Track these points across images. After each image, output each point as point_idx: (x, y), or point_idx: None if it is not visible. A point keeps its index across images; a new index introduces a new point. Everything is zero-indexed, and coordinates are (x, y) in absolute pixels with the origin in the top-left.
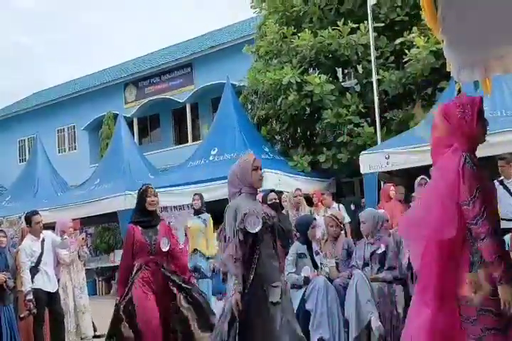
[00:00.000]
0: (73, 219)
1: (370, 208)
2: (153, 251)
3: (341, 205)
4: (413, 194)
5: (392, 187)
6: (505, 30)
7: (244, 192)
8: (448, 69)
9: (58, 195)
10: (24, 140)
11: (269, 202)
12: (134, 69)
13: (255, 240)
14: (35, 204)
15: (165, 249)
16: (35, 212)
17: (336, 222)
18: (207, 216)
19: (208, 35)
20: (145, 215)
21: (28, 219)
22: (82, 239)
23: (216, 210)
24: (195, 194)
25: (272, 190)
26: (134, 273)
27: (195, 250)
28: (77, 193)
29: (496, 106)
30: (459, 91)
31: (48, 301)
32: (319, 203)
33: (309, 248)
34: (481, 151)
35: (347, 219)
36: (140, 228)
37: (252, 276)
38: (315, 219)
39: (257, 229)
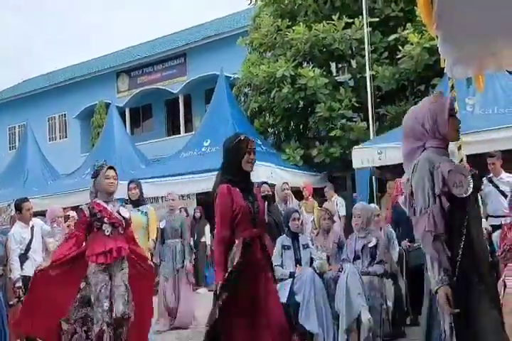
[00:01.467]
0: (63, 208)
1: (362, 202)
2: (256, 222)
3: (340, 198)
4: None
5: None
6: (499, 28)
7: (432, 146)
8: (442, 66)
9: (48, 184)
10: (14, 127)
11: (261, 194)
12: (127, 59)
13: (462, 208)
14: (24, 192)
15: None
16: (26, 199)
17: (328, 215)
18: (148, 208)
19: (202, 26)
20: (241, 175)
21: (18, 206)
22: (68, 226)
23: (207, 202)
24: (131, 181)
25: (265, 182)
26: (235, 252)
27: None
28: (67, 182)
29: (488, 104)
30: (452, 87)
31: None
32: (309, 197)
33: (295, 240)
34: (474, 148)
35: (343, 212)
36: (238, 190)
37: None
38: (297, 211)
39: (468, 193)
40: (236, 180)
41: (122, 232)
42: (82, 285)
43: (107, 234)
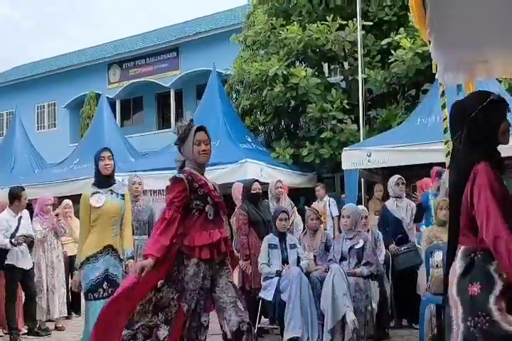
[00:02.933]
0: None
1: (350, 203)
2: None
3: (331, 199)
4: (389, 193)
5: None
6: (491, 35)
7: None
8: (434, 71)
9: (35, 172)
10: (2, 114)
11: (252, 192)
12: (120, 50)
13: None
14: (11, 180)
15: None
16: (23, 188)
17: (316, 215)
18: (122, 189)
19: (197, 20)
20: None
21: (17, 195)
22: (57, 215)
23: None
24: (105, 149)
25: (256, 180)
26: None
27: None
28: (55, 171)
29: None
30: (443, 93)
31: (22, 278)
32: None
33: (282, 240)
34: None
35: (335, 212)
36: None
37: None
38: (285, 211)
39: None
40: None
41: (223, 217)
42: (160, 284)
43: (210, 218)
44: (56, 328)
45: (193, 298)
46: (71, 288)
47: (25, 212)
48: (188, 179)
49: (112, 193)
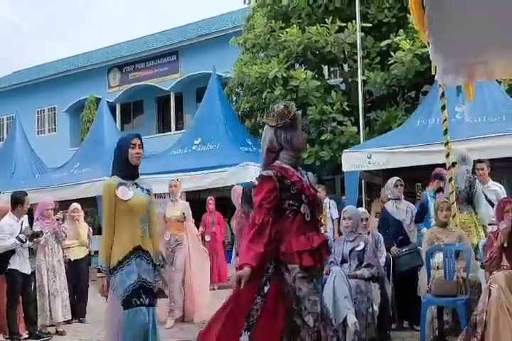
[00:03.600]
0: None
1: (351, 205)
2: None
3: (332, 201)
4: (388, 194)
5: None
6: (490, 37)
7: None
8: (433, 73)
9: (36, 177)
10: (2, 119)
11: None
12: (120, 54)
13: None
14: (12, 184)
15: None
16: (26, 193)
17: None
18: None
19: (196, 24)
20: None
21: (19, 200)
22: (58, 219)
23: (196, 200)
24: (136, 135)
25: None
26: None
27: None
28: (55, 176)
29: (476, 113)
30: (443, 94)
31: (23, 283)
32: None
33: None
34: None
35: (335, 215)
36: None
37: None
38: None
39: None
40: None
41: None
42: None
43: (308, 219)
44: (57, 332)
45: (315, 303)
46: (75, 292)
47: (25, 218)
48: (277, 176)
49: (137, 187)
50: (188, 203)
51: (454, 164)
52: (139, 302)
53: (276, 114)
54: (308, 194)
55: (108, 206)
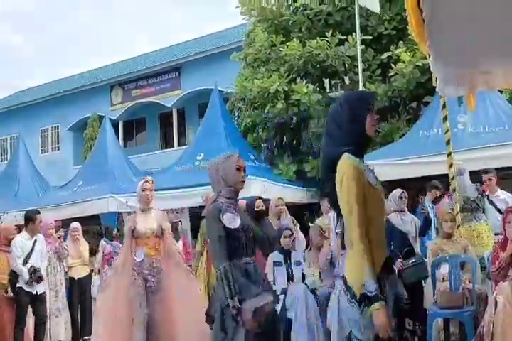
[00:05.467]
0: (55, 221)
1: None
2: None
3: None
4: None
5: None
6: (491, 47)
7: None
8: (434, 84)
9: (39, 196)
10: (6, 139)
11: (256, 209)
12: (121, 72)
13: None
14: (16, 204)
15: None
16: (38, 211)
17: (320, 232)
18: None
19: (197, 40)
20: None
21: (32, 218)
22: (59, 237)
23: (200, 216)
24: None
25: (259, 197)
26: None
27: None
28: (59, 194)
29: (478, 122)
30: (444, 105)
31: (32, 302)
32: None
33: (286, 257)
34: (465, 166)
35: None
36: None
37: None
38: (288, 228)
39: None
40: None
41: None
42: None
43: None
44: None
45: None
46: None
47: (41, 237)
48: None
49: None
50: (165, 213)
51: (472, 173)
52: None
53: None
54: None
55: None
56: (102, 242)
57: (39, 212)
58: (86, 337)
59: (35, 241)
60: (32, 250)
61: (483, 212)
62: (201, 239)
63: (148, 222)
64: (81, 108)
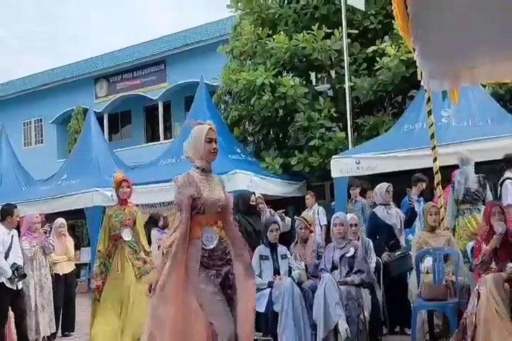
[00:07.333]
0: (39, 214)
1: (341, 212)
2: None
3: (321, 208)
4: (376, 200)
5: None
6: (476, 42)
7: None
8: (419, 78)
9: (23, 190)
10: None
11: (251, 203)
12: (106, 64)
13: None
14: None
15: None
16: (15, 206)
17: (305, 224)
18: None
19: (183, 32)
20: None
21: (9, 212)
22: (45, 232)
23: None
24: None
25: (253, 193)
26: None
27: None
28: (43, 188)
29: (462, 116)
30: (429, 99)
31: (12, 297)
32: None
33: (273, 250)
34: (449, 160)
35: (324, 221)
36: None
37: None
38: (275, 222)
39: None
40: None
41: None
42: None
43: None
44: None
45: None
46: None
47: (15, 232)
48: None
49: None
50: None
51: (456, 167)
52: None
53: None
54: None
55: None
56: (156, 232)
57: (16, 207)
58: (67, 332)
59: (12, 236)
60: (10, 245)
61: (484, 204)
62: None
63: None
64: (65, 101)
